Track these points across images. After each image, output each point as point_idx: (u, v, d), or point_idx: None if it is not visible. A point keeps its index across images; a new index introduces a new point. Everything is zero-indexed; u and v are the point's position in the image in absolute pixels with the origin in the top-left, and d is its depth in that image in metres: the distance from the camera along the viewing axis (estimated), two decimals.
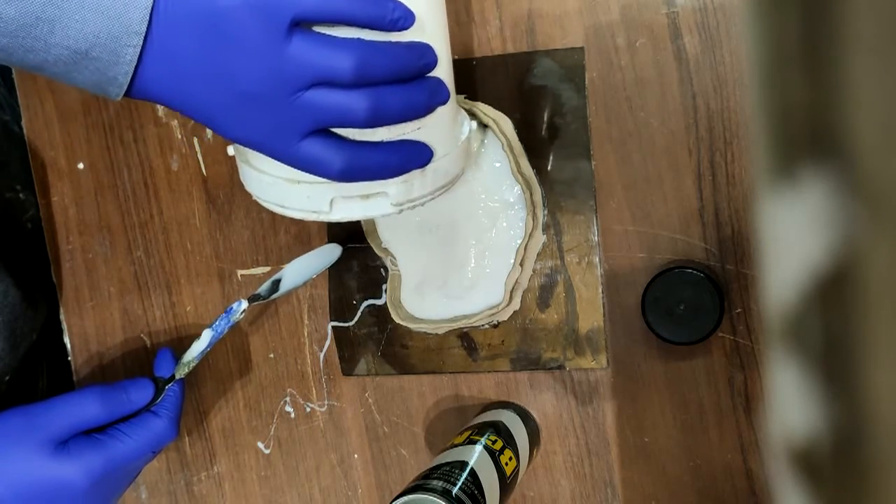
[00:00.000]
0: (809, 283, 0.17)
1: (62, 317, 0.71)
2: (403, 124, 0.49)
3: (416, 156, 0.50)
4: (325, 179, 0.49)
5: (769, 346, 0.19)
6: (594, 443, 0.62)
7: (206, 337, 0.60)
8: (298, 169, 0.48)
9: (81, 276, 0.71)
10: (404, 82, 0.48)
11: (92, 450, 0.56)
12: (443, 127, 0.52)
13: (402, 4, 0.46)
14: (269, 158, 0.49)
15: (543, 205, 0.61)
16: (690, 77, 0.58)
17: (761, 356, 0.58)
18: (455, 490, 0.50)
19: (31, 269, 0.70)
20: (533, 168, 0.61)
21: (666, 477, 0.61)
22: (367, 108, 0.46)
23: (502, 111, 0.61)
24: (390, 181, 0.50)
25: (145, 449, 0.57)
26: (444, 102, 0.50)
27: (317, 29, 0.46)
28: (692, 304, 0.55)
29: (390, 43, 0.47)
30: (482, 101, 0.61)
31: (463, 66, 0.61)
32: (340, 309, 0.66)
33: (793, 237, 0.17)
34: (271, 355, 0.68)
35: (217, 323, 0.60)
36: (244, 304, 0.60)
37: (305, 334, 0.67)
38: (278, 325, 0.68)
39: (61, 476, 0.55)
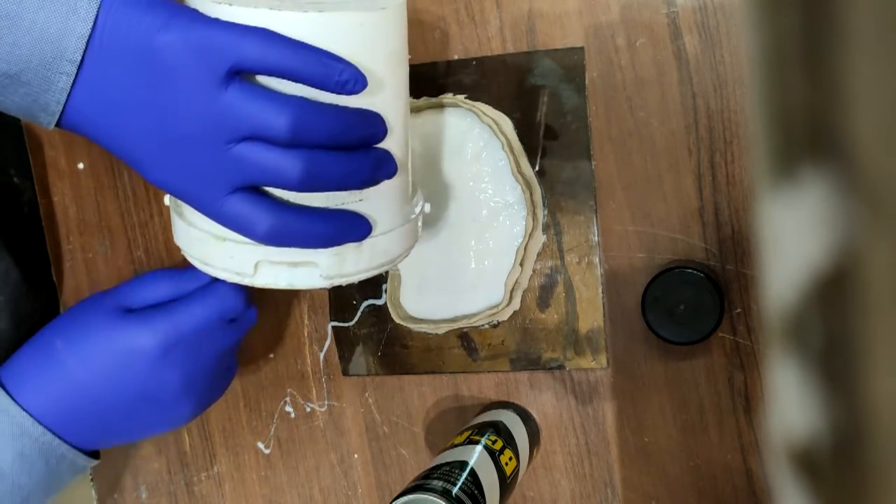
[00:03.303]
0: (809, 283, 0.17)
1: None
2: (344, 193, 0.47)
3: (350, 228, 0.47)
4: (251, 241, 0.46)
5: (769, 346, 0.19)
6: (594, 443, 0.62)
7: None
8: (222, 225, 0.46)
9: (81, 276, 0.71)
10: (348, 149, 0.46)
11: (159, 314, 0.55)
12: (389, 201, 0.49)
13: (352, 66, 0.44)
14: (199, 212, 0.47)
15: (543, 205, 0.61)
16: (690, 77, 0.58)
17: (761, 356, 0.58)
18: (455, 490, 0.50)
19: (30, 251, 0.70)
20: (533, 168, 0.61)
21: (666, 477, 0.61)
22: (300, 171, 0.44)
23: (502, 111, 0.61)
24: (321, 252, 0.47)
25: (212, 314, 0.55)
26: (389, 176, 0.48)
27: (263, 81, 0.44)
28: (692, 304, 0.55)
29: (336, 106, 0.45)
30: (482, 101, 0.61)
31: (463, 66, 0.61)
32: (340, 309, 0.66)
33: (793, 237, 0.17)
34: (271, 355, 0.68)
35: None
36: None
37: (305, 334, 0.67)
38: (278, 325, 0.68)
39: (131, 340, 0.54)
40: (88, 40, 0.44)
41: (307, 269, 0.48)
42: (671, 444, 0.61)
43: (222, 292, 0.56)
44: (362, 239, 0.48)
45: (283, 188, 0.45)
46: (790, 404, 0.18)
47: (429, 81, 0.61)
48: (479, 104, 0.60)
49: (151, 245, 0.69)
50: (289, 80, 0.44)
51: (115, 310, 0.55)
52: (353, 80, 0.44)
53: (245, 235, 0.46)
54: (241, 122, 0.43)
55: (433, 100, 0.61)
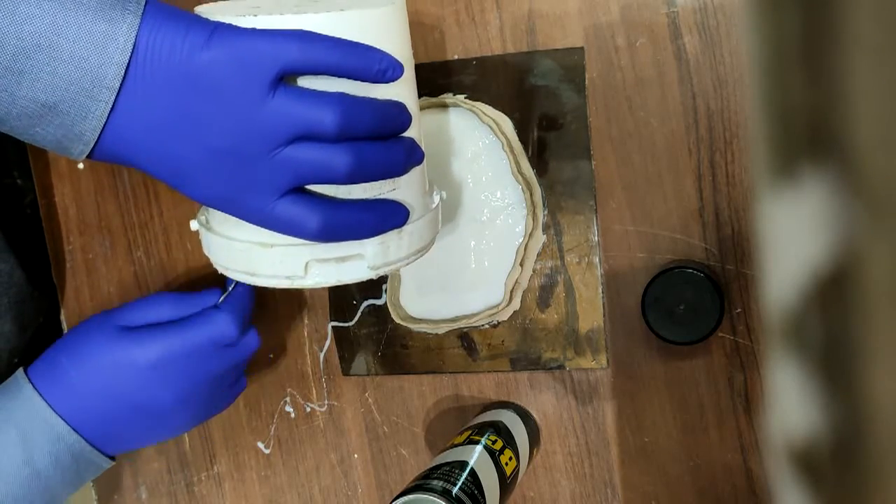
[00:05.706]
0: (809, 283, 0.17)
1: (62, 317, 0.71)
2: (380, 183, 0.48)
3: (393, 215, 0.49)
4: (299, 241, 0.47)
5: (769, 346, 0.19)
6: (594, 443, 0.62)
7: None
8: (273, 229, 0.47)
9: (81, 276, 0.71)
10: (382, 140, 0.47)
11: (153, 335, 0.57)
12: (417, 189, 0.51)
13: (388, 55, 0.46)
14: (238, 223, 0.48)
15: (543, 205, 0.61)
16: (690, 77, 0.58)
17: (761, 356, 0.58)
18: (455, 490, 0.50)
19: (34, 253, 0.70)
20: (533, 168, 0.61)
21: (666, 477, 0.61)
22: (350, 163, 0.45)
23: (502, 111, 0.61)
24: (367, 242, 0.49)
25: (204, 340, 0.57)
26: (419, 162, 0.50)
27: (299, 81, 0.46)
28: (692, 304, 0.55)
29: (372, 98, 0.46)
30: (482, 101, 0.61)
31: (463, 66, 0.61)
32: (340, 309, 0.66)
33: (793, 237, 0.17)
34: (271, 355, 0.68)
35: None
36: None
37: (305, 334, 0.67)
38: (278, 325, 0.68)
39: (122, 354, 0.56)
40: (128, 66, 0.44)
41: (355, 263, 0.49)
42: (671, 444, 0.61)
43: (217, 320, 0.58)
44: (403, 224, 0.50)
45: (333, 182, 0.46)
46: (790, 404, 0.18)
47: (429, 81, 0.61)
48: (479, 104, 0.60)
49: (151, 245, 0.69)
50: (332, 75, 0.45)
51: (113, 328, 0.58)
52: (391, 67, 0.46)
53: (297, 236, 0.47)
54: (290, 125, 0.44)
55: (433, 100, 0.61)
